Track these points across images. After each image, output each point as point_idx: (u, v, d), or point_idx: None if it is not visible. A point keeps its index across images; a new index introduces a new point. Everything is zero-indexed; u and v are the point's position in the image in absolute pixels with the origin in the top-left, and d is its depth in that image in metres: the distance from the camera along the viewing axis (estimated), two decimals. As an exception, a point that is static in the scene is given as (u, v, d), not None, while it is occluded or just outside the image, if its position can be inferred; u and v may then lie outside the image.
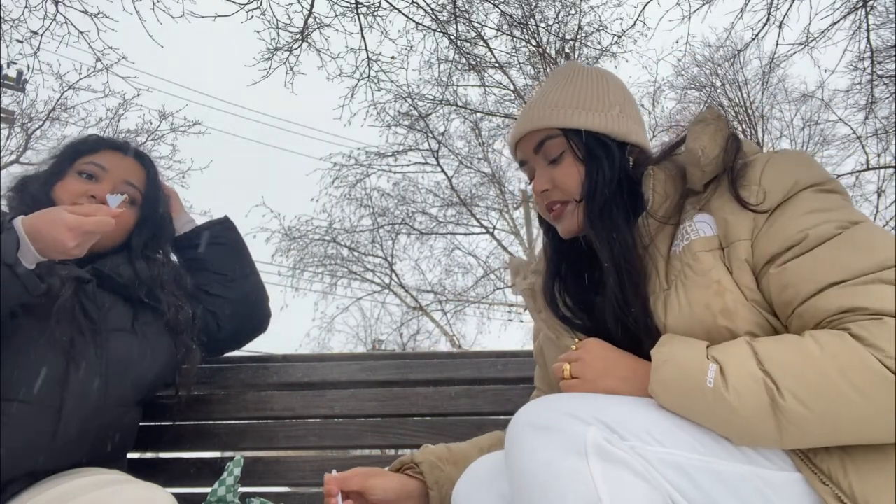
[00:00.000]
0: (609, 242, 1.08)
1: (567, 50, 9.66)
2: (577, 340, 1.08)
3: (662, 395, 0.92)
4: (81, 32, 6.11)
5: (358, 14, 6.66)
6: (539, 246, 12.39)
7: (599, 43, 9.51)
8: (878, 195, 9.32)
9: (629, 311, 1.05)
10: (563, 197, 1.15)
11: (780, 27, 6.94)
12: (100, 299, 1.34)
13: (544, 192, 1.17)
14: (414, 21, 7.61)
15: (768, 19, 6.89)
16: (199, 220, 1.68)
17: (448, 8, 7.70)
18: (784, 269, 0.94)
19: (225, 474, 1.32)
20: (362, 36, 7.04)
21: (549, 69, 9.92)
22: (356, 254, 11.98)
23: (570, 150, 1.14)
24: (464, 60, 9.20)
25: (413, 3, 7.08)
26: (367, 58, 7.53)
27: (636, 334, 1.06)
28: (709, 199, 1.06)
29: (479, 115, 10.94)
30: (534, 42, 9.45)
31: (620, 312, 1.06)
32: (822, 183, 0.99)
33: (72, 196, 1.39)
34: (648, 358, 0.98)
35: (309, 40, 6.83)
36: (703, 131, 1.06)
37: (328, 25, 6.85)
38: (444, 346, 12.89)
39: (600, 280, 1.15)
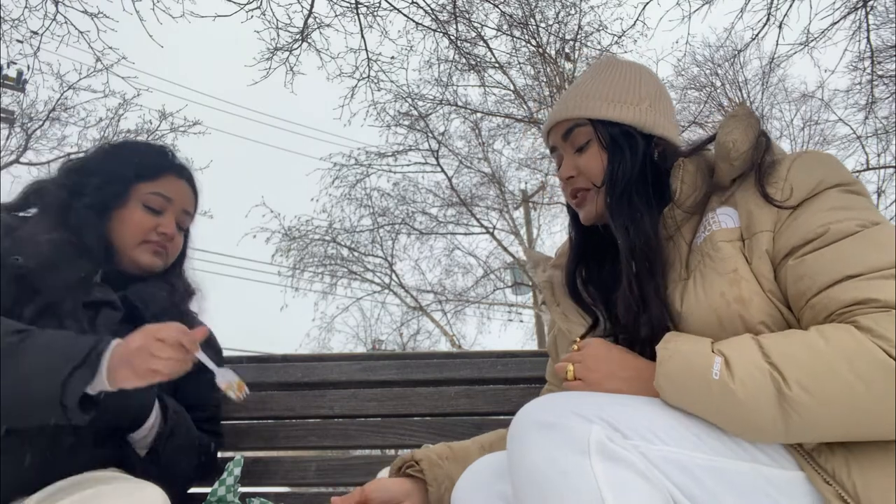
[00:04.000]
0: (627, 228, 1.11)
1: (567, 50, 9.67)
2: (578, 340, 1.08)
3: (668, 389, 0.92)
4: (81, 32, 6.12)
5: (358, 14, 6.67)
6: (539, 246, 12.42)
7: (599, 43, 9.51)
8: (878, 195, 9.32)
9: (642, 299, 1.07)
10: (586, 184, 1.19)
11: (780, 27, 6.95)
12: (109, 327, 1.26)
13: (569, 178, 1.21)
14: (414, 21, 7.63)
15: (768, 19, 6.90)
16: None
17: (448, 8, 7.71)
18: (802, 261, 0.95)
19: (225, 474, 1.33)
20: (362, 36, 7.05)
21: (548, 69, 9.93)
22: (356, 254, 11.99)
23: (595, 138, 1.18)
24: (464, 60, 9.20)
25: (413, 3, 7.08)
26: (367, 58, 7.54)
27: (648, 324, 1.06)
28: (733, 194, 1.08)
29: (479, 115, 10.94)
30: (534, 42, 9.46)
31: (633, 300, 1.07)
32: (848, 184, 1.00)
33: (140, 231, 1.34)
34: (653, 356, 0.98)
35: (309, 40, 6.84)
36: (735, 126, 1.07)
37: (328, 25, 6.87)
38: (444, 346, 12.90)
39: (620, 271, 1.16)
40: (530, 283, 11.69)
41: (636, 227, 1.10)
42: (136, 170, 1.38)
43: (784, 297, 0.98)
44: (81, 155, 1.44)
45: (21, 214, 1.34)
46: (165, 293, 1.40)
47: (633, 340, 1.08)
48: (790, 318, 0.97)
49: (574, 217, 1.29)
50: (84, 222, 1.29)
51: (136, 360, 1.05)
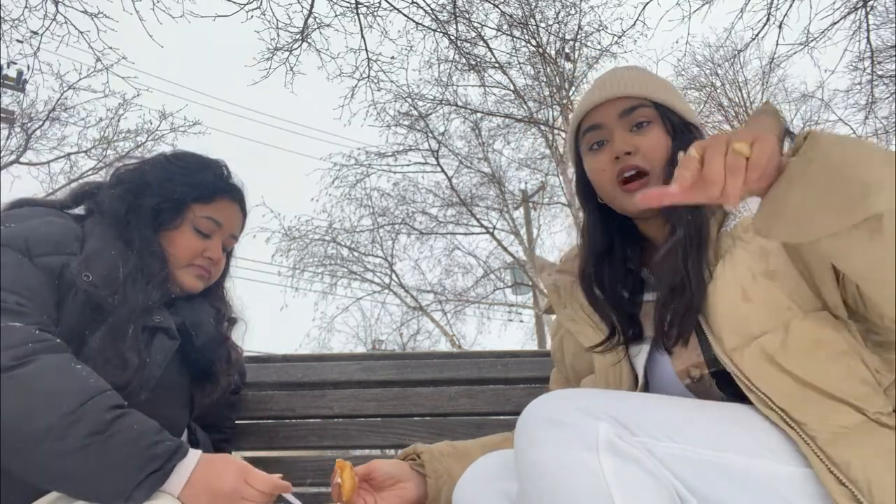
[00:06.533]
0: (687, 217, 1.08)
1: (567, 50, 9.67)
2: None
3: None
4: (81, 32, 6.13)
5: (358, 14, 6.68)
6: (539, 245, 12.41)
7: (599, 43, 9.53)
8: (878, 195, 9.30)
9: (688, 283, 1.04)
10: (643, 162, 1.13)
11: (780, 27, 6.96)
12: (165, 356, 1.25)
13: (626, 154, 1.13)
14: (414, 21, 7.64)
15: (768, 19, 6.91)
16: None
17: (448, 8, 7.72)
18: None
19: (225, 474, 1.32)
20: (362, 36, 7.05)
21: (548, 69, 9.93)
22: (356, 254, 11.99)
23: (660, 121, 1.15)
24: (464, 60, 9.21)
25: (413, 3, 7.09)
26: (367, 58, 7.55)
27: (689, 303, 1.04)
28: None
29: (479, 115, 10.94)
30: (534, 42, 9.46)
31: (679, 283, 1.04)
32: None
33: (187, 255, 1.33)
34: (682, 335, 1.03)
35: (309, 40, 6.85)
36: (765, 119, 1.08)
37: (328, 25, 6.88)
38: (444, 346, 12.90)
39: (643, 263, 1.18)
40: (530, 283, 11.69)
41: (694, 215, 1.08)
42: (192, 190, 1.36)
43: (810, 272, 0.97)
44: (136, 163, 1.42)
45: (73, 213, 1.33)
46: (213, 320, 1.40)
47: (673, 313, 1.05)
48: (816, 291, 0.97)
49: (596, 208, 1.23)
50: (149, 248, 1.28)
51: (224, 499, 1.06)
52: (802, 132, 0.83)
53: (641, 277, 1.21)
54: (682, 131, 1.15)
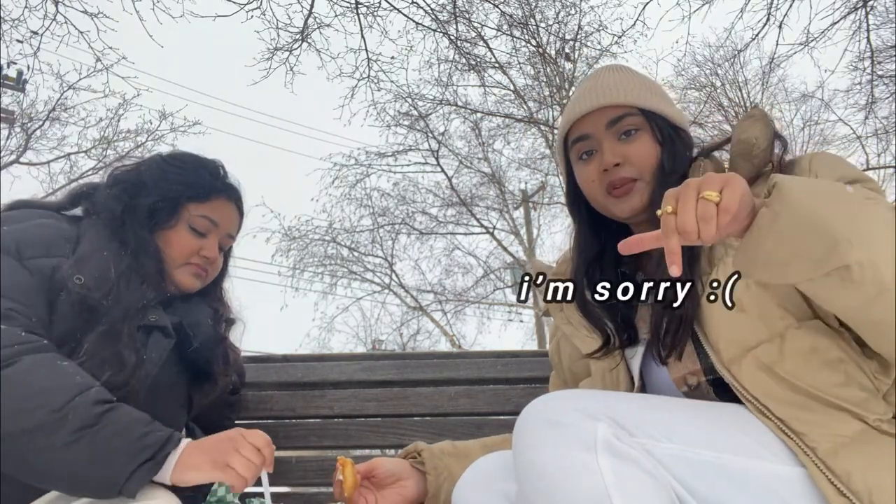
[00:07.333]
0: None
1: (567, 50, 9.68)
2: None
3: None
4: (81, 32, 6.14)
5: (358, 14, 6.68)
6: (539, 245, 12.41)
7: (599, 43, 9.54)
8: (878, 195, 9.31)
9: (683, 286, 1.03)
10: (632, 173, 1.12)
11: (780, 27, 6.97)
12: (161, 354, 1.26)
13: (616, 166, 1.12)
14: (414, 21, 7.64)
15: (768, 19, 6.92)
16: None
17: (448, 8, 7.73)
18: None
19: (225, 474, 1.32)
20: (362, 36, 7.06)
21: (548, 69, 9.93)
22: (356, 254, 12.00)
23: (648, 128, 1.14)
24: (464, 60, 9.21)
25: (413, 3, 7.09)
26: (367, 58, 7.56)
27: (677, 318, 1.03)
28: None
29: (479, 115, 10.95)
30: (534, 42, 9.47)
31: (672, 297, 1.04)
32: (864, 181, 1.02)
33: (183, 254, 1.34)
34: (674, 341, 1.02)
35: (309, 40, 6.86)
36: (753, 124, 1.08)
37: (328, 25, 6.88)
38: (444, 346, 12.90)
39: (635, 269, 1.18)
40: (530, 283, 11.68)
41: None
42: (187, 190, 1.36)
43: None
44: (132, 164, 1.42)
45: (69, 214, 1.33)
46: (210, 320, 1.40)
47: (667, 325, 1.05)
48: (808, 301, 0.97)
49: (587, 218, 1.23)
50: (144, 247, 1.28)
51: (218, 450, 1.06)
52: (771, 180, 0.85)
53: (637, 281, 1.20)
54: (670, 137, 1.14)
